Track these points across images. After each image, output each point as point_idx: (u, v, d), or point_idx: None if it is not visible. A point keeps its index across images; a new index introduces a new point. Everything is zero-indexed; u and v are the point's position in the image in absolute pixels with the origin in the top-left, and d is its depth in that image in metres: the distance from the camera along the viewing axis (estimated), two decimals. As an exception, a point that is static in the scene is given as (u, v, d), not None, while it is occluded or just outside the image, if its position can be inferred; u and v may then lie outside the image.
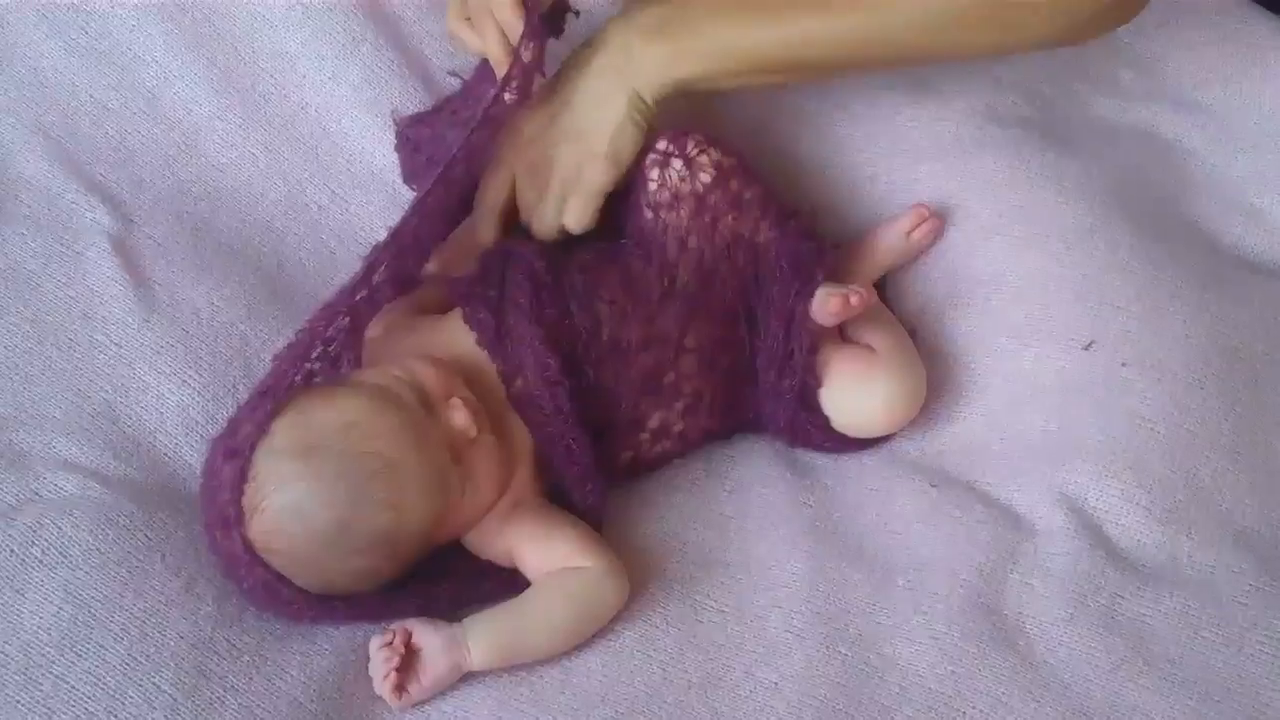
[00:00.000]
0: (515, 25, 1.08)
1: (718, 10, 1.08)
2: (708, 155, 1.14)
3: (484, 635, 1.00)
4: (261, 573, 0.98)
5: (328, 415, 1.00)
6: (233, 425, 1.02)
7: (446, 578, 1.05)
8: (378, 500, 0.98)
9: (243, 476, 0.98)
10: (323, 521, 0.98)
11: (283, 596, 0.99)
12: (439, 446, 1.01)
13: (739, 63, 1.10)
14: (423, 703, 0.99)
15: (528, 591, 1.03)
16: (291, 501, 0.98)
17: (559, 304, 1.09)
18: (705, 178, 1.13)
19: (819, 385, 1.12)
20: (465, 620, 1.01)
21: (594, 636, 1.02)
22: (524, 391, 1.08)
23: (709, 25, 1.08)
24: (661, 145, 1.14)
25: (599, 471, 1.08)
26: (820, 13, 1.06)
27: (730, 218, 1.14)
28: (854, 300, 1.09)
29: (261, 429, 0.99)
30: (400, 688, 0.98)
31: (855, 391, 1.12)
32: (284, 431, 0.99)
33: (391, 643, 0.99)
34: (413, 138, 1.24)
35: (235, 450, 0.99)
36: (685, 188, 1.13)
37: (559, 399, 1.06)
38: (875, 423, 1.13)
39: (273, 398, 1.01)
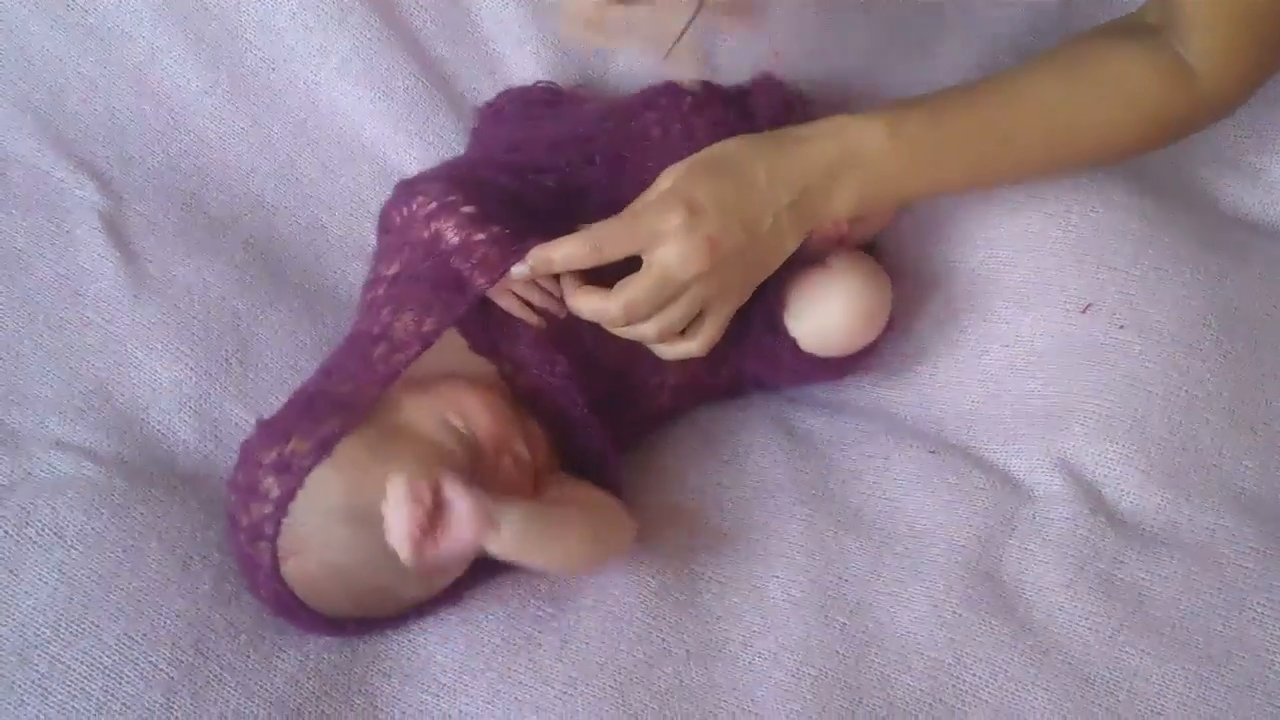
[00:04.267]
0: None
1: (913, 157, 1.05)
2: (701, 117, 1.12)
3: (516, 520, 0.94)
4: (282, 591, 0.97)
5: (379, 479, 0.93)
6: (284, 426, 0.98)
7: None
8: (420, 576, 0.96)
9: (290, 498, 0.94)
10: (363, 586, 0.97)
11: (298, 617, 0.98)
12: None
13: (916, 197, 1.12)
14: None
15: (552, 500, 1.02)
16: (336, 566, 0.96)
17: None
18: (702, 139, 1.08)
19: (784, 310, 1.10)
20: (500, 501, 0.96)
21: (593, 605, 1.02)
22: (532, 388, 1.05)
23: (903, 176, 1.06)
24: (661, 104, 1.11)
25: (615, 447, 1.07)
26: (1011, 165, 1.09)
27: None
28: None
29: (321, 452, 0.94)
30: (419, 543, 0.90)
31: (816, 308, 1.09)
32: (338, 489, 0.95)
33: (419, 493, 0.91)
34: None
35: (286, 466, 0.95)
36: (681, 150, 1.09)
37: (572, 392, 1.04)
38: (840, 337, 1.10)
39: (340, 418, 0.96)
